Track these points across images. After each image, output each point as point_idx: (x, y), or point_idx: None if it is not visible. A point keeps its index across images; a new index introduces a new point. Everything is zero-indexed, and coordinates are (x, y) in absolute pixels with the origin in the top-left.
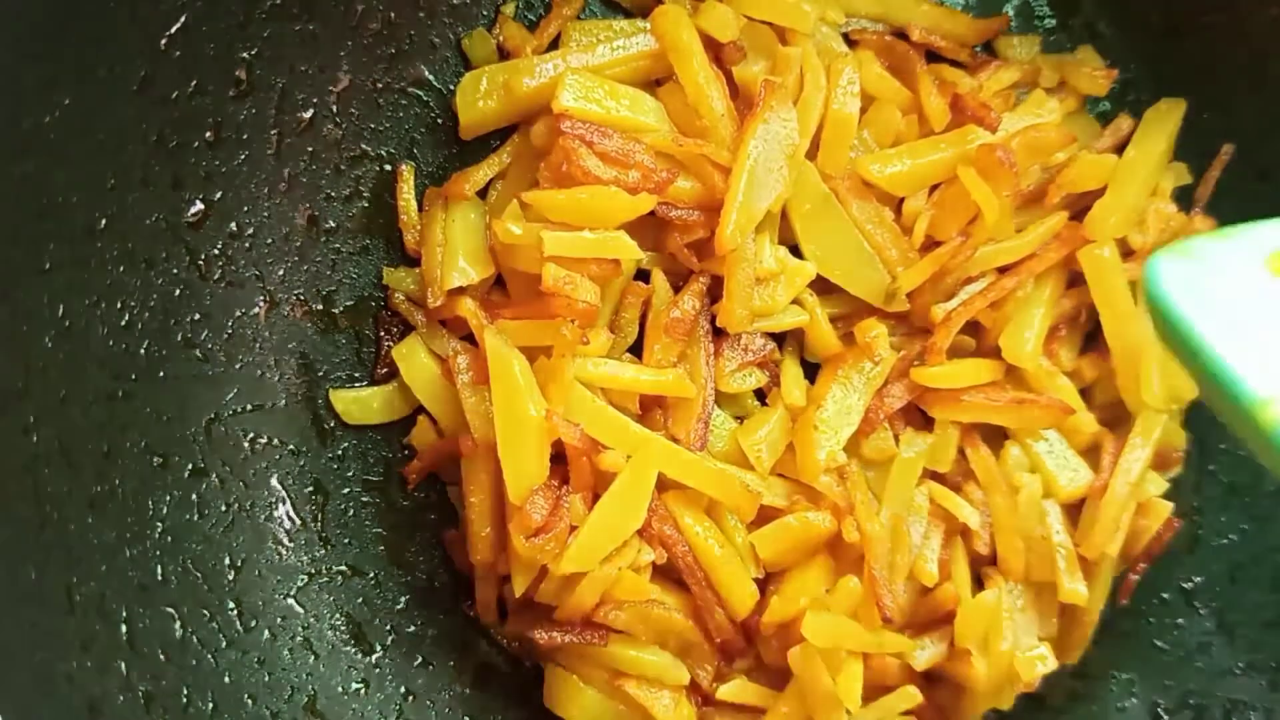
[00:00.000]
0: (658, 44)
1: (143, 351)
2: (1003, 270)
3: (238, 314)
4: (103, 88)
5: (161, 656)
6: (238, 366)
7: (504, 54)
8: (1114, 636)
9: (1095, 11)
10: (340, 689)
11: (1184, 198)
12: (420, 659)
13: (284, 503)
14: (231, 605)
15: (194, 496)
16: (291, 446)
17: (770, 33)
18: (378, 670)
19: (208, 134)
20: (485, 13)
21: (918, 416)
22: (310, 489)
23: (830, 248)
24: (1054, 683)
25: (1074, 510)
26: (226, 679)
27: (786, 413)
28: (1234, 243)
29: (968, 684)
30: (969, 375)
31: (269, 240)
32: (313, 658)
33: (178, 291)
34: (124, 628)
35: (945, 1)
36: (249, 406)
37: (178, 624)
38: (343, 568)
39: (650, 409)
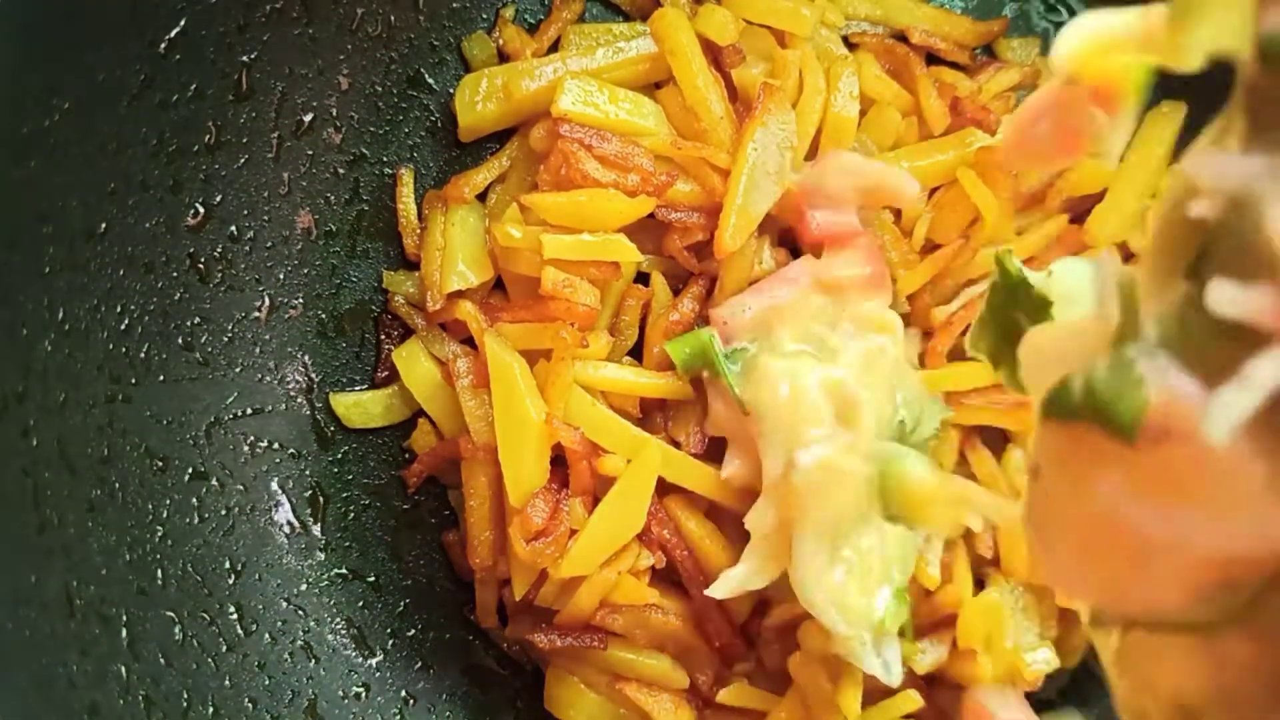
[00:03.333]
0: (657, 47)
1: (143, 355)
2: None
3: (238, 317)
4: (102, 92)
5: (161, 660)
6: (238, 370)
7: (504, 57)
8: None
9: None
10: (341, 693)
11: None
12: (421, 663)
13: (284, 506)
14: (232, 609)
15: (194, 500)
16: (292, 450)
17: (769, 36)
18: (378, 674)
19: (207, 138)
20: (485, 16)
21: None
22: (310, 492)
23: None
24: (1056, 684)
25: None
26: (227, 683)
27: None
28: None
29: (971, 685)
30: (970, 378)
31: (269, 244)
32: (313, 662)
33: (178, 295)
34: (124, 631)
35: (945, 4)
36: (249, 410)
37: (178, 628)
38: (343, 571)
39: (650, 412)
